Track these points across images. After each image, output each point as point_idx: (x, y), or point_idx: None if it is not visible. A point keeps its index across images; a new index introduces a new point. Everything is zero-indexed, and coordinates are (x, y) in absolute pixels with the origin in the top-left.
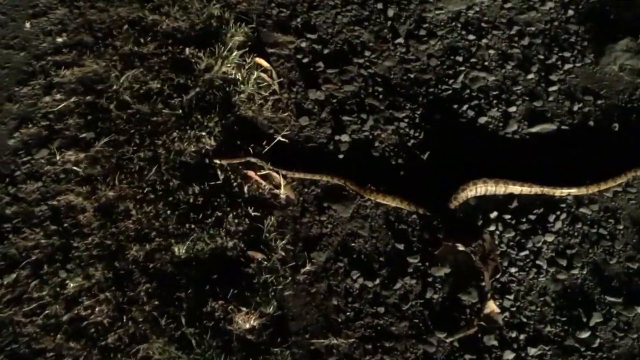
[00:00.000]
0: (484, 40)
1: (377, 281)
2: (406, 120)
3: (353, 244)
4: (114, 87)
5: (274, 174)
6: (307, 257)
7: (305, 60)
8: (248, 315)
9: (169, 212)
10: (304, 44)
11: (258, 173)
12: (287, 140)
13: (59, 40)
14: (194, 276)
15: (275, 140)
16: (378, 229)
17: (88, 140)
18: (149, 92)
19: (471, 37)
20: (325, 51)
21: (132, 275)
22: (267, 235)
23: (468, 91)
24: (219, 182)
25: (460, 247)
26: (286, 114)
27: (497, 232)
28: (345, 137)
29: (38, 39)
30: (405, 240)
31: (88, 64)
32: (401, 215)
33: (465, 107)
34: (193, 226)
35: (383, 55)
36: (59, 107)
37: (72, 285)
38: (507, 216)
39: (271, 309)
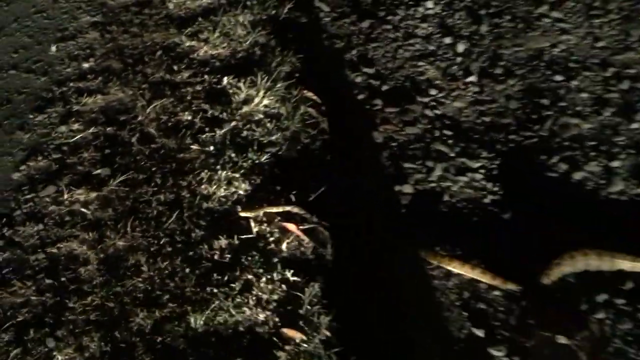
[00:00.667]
0: (574, 82)
1: None
2: (482, 171)
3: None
4: (139, 117)
5: (320, 228)
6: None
7: (361, 96)
8: None
9: (187, 270)
10: (359, 79)
11: (300, 227)
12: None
13: (85, 65)
14: (211, 357)
15: (322, 189)
16: (449, 306)
17: (102, 177)
18: (178, 125)
19: (558, 77)
20: (384, 87)
21: (135, 351)
22: (309, 308)
23: (558, 140)
24: (252, 235)
25: (561, 340)
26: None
27: (608, 322)
28: (407, 188)
29: (62, 64)
30: (485, 325)
31: (113, 92)
32: (479, 290)
33: (555, 158)
34: (215, 291)
35: (452, 95)
36: (75, 138)
37: (59, 358)
38: (620, 301)
39: None
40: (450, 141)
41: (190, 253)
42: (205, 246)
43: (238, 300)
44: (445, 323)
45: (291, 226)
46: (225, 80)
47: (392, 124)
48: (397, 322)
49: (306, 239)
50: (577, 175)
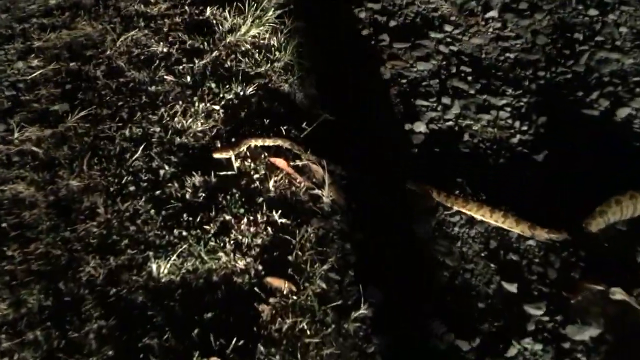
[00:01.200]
0: (611, 17)
1: (477, 342)
2: (508, 109)
3: (434, 277)
4: (108, 52)
5: (315, 166)
6: (362, 294)
7: (365, 32)
8: None
9: (152, 212)
10: (363, 14)
11: (291, 164)
12: (333, 119)
13: (52, 2)
14: (176, 312)
15: (321, 119)
16: (474, 258)
17: (60, 114)
18: (152, 58)
19: (592, 12)
20: (392, 24)
21: (82, 305)
22: (300, 254)
23: (596, 76)
24: (232, 172)
25: (617, 295)
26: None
27: None
28: (420, 127)
29: (27, 1)
30: (518, 279)
31: (81, 27)
32: (509, 240)
33: (594, 94)
34: (185, 233)
35: (470, 32)
36: (33, 74)
37: None
38: None
39: None
40: (469, 78)
41: (157, 192)
42: (176, 184)
43: (212, 244)
44: (468, 276)
45: (280, 162)
46: (208, 10)
47: (402, 60)
48: (413, 273)
49: (299, 178)
50: (622, 113)
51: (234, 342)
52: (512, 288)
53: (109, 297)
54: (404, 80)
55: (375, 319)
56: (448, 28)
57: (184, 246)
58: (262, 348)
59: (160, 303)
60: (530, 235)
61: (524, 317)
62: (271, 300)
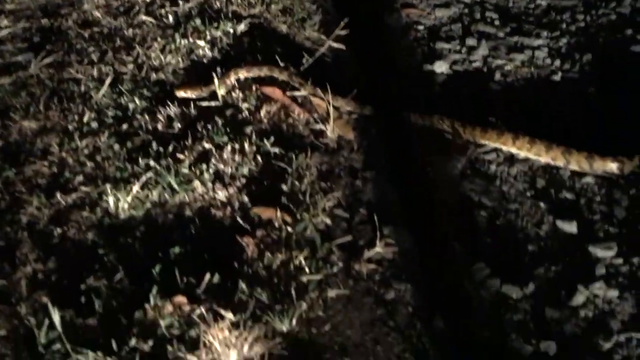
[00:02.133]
0: None
1: (531, 288)
2: (544, 49)
3: (468, 218)
4: (85, 6)
5: (318, 100)
6: (380, 231)
7: None
8: (244, 338)
9: (116, 147)
10: None
11: (289, 94)
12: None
13: None
14: (135, 251)
15: (325, 46)
16: (517, 197)
17: (23, 64)
18: (132, 7)
19: None
20: None
21: (18, 249)
22: (296, 184)
23: None
24: (217, 103)
25: None
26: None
27: None
28: (441, 66)
29: None
30: (578, 216)
31: None
32: (560, 178)
33: None
34: (153, 164)
35: None
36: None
37: None
38: None
39: (296, 327)
40: (496, 22)
41: (124, 127)
42: (147, 117)
43: (185, 171)
44: (512, 217)
45: (275, 92)
46: None
47: (417, 9)
48: (440, 213)
49: (297, 109)
50: None
51: (207, 279)
52: (571, 228)
53: (51, 239)
54: (421, 27)
55: (395, 261)
56: None
57: (150, 176)
58: (244, 286)
59: (115, 242)
60: (587, 169)
61: (590, 260)
62: (258, 233)
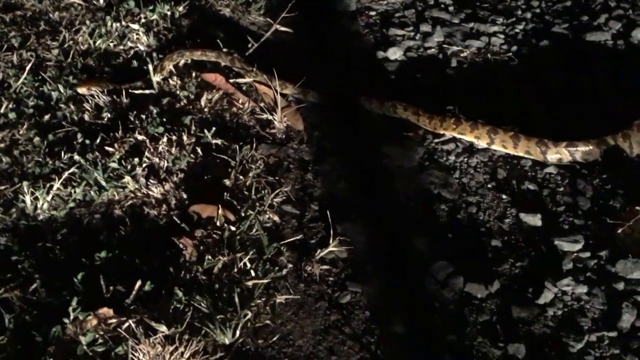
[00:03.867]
0: None
1: (496, 286)
2: (501, 35)
3: (428, 212)
4: None
5: (264, 88)
6: (333, 229)
7: None
8: (179, 354)
9: (36, 139)
10: None
11: (232, 81)
12: (288, 30)
13: None
14: (55, 257)
15: (272, 30)
16: (477, 189)
17: None
18: None
19: None
20: None
21: None
22: (240, 178)
23: (601, 1)
24: (152, 91)
25: None
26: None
27: None
28: (395, 53)
29: None
30: (542, 208)
31: None
32: (521, 169)
33: (602, 18)
34: (77, 158)
35: None
36: None
37: None
38: None
39: (240, 339)
40: (451, 8)
41: (46, 117)
42: (72, 107)
43: (114, 167)
44: (473, 210)
45: (217, 79)
46: None
47: None
48: (397, 208)
49: (242, 97)
50: (638, 33)
51: (137, 287)
52: (536, 221)
53: None
54: (373, 13)
55: (350, 261)
56: None
57: (74, 171)
58: (180, 294)
59: (32, 247)
60: (550, 160)
61: (555, 254)
62: (198, 233)
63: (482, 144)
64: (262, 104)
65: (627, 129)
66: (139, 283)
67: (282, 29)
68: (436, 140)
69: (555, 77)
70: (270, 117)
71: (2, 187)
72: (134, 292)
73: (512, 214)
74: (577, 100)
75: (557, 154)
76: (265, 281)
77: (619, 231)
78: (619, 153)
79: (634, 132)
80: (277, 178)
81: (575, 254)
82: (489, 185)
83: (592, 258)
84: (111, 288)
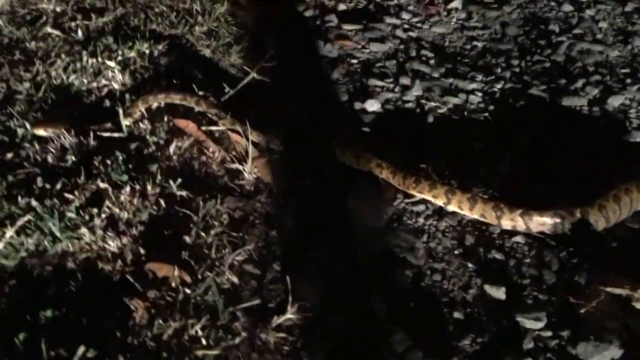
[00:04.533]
0: (588, 12)
1: None
2: (479, 93)
3: (391, 277)
4: None
5: (237, 136)
6: (290, 293)
7: (309, 12)
8: None
9: None
10: None
11: (204, 128)
12: (265, 79)
13: None
14: (1, 311)
15: (248, 78)
16: (444, 255)
17: None
18: (40, 17)
19: (567, 8)
20: (341, 7)
21: None
22: (202, 235)
23: (579, 65)
24: (121, 134)
25: None
26: (268, 64)
27: None
28: (373, 105)
29: None
30: (507, 282)
31: None
32: (489, 235)
33: (580, 83)
34: (34, 204)
35: (431, 21)
36: None
37: None
38: None
39: None
40: (432, 62)
41: (9, 155)
42: (37, 146)
43: (71, 216)
44: (438, 278)
45: (189, 125)
46: None
47: (351, 41)
48: (360, 271)
49: (212, 146)
50: (613, 102)
51: (80, 352)
52: (499, 294)
53: None
54: (355, 61)
55: (307, 329)
56: (405, 16)
57: (29, 218)
58: None
59: None
60: (516, 227)
61: (517, 331)
62: (151, 294)
63: (439, 203)
64: (233, 153)
65: (601, 199)
66: (82, 349)
67: (259, 77)
68: (406, 201)
69: (529, 139)
70: (240, 167)
71: None
72: (76, 358)
73: (476, 284)
74: (547, 166)
75: (511, 220)
76: (215, 352)
77: (582, 311)
78: (585, 226)
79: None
80: (240, 234)
81: (536, 332)
82: (456, 252)
83: (554, 338)
84: (52, 353)
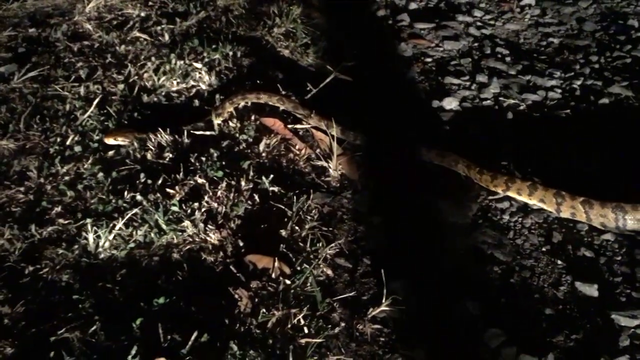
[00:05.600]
0: None
1: (551, 359)
2: (558, 90)
3: (481, 273)
4: (76, 18)
5: (321, 134)
6: (384, 289)
7: (381, 12)
8: None
9: (100, 175)
10: None
11: (291, 126)
12: (346, 78)
13: None
14: (114, 297)
15: (331, 77)
16: (532, 252)
17: (6, 75)
18: (126, 22)
19: None
20: (412, 6)
21: None
22: (296, 229)
23: None
24: (212, 133)
25: None
26: (348, 63)
27: None
28: (451, 103)
29: None
30: (598, 278)
31: None
32: (577, 232)
33: None
34: (140, 198)
35: (503, 18)
36: None
37: None
38: None
39: None
40: (508, 59)
41: (110, 153)
42: (135, 144)
43: (175, 210)
44: (527, 274)
45: (276, 123)
46: None
47: (425, 39)
48: (450, 267)
49: (298, 144)
50: None
51: (193, 337)
52: (592, 291)
53: (22, 277)
54: (429, 59)
55: (402, 322)
56: (478, 13)
57: (136, 212)
58: (235, 347)
59: (93, 285)
60: (606, 227)
61: (612, 328)
62: (253, 284)
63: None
64: (317, 151)
65: None
66: (195, 334)
67: (341, 76)
68: (490, 198)
69: (609, 138)
70: (325, 165)
71: (66, 222)
72: (190, 343)
73: (567, 282)
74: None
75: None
76: (318, 340)
77: None
78: None
79: None
80: (330, 229)
81: (632, 330)
82: (544, 249)
83: None
84: (168, 337)
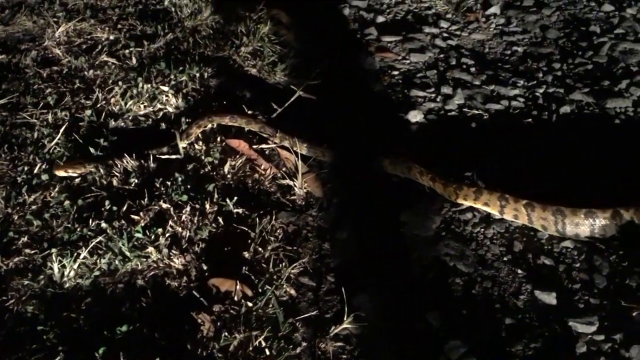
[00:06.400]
0: (629, 11)
1: None
2: (521, 99)
3: (443, 285)
4: (46, 43)
5: (286, 153)
6: (347, 304)
7: (350, 27)
8: None
9: (66, 203)
10: (346, 11)
11: (255, 147)
12: (312, 98)
13: None
14: (78, 327)
15: (295, 95)
16: (493, 262)
17: None
18: (95, 46)
19: (607, 8)
20: (379, 20)
21: None
22: (259, 250)
23: (622, 65)
24: (178, 156)
25: None
26: (314, 82)
27: None
28: (416, 116)
29: None
30: (557, 286)
31: (20, 22)
32: (537, 241)
33: (624, 83)
34: (104, 226)
35: (469, 28)
36: None
37: None
38: None
39: None
40: (472, 69)
41: (77, 181)
42: (101, 170)
43: (139, 236)
44: (489, 285)
45: (241, 144)
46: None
47: (392, 52)
48: (413, 280)
49: (264, 164)
50: None
51: None
52: (550, 299)
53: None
54: (396, 72)
55: (364, 338)
56: (444, 24)
57: (100, 240)
58: None
59: (58, 315)
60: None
61: (570, 335)
62: (216, 308)
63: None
64: (283, 170)
65: None
66: None
67: (305, 95)
68: (453, 209)
69: (570, 146)
70: (290, 183)
71: (32, 252)
72: None
73: (527, 290)
74: (594, 169)
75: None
76: None
77: (634, 314)
78: (635, 228)
79: None
80: (295, 248)
81: (589, 337)
82: (505, 259)
83: (607, 341)
84: None
